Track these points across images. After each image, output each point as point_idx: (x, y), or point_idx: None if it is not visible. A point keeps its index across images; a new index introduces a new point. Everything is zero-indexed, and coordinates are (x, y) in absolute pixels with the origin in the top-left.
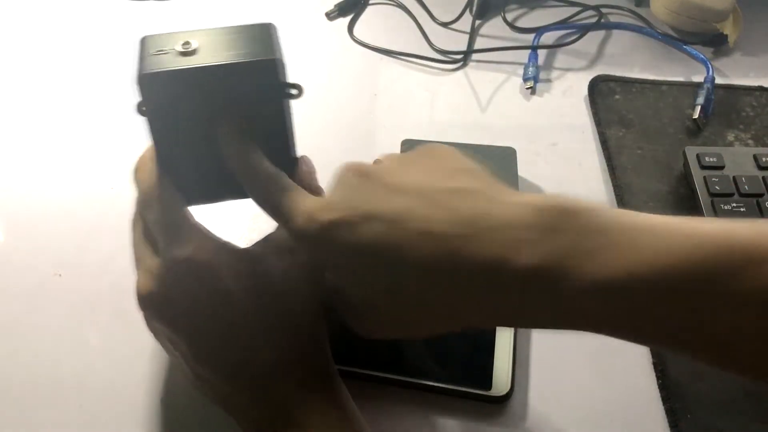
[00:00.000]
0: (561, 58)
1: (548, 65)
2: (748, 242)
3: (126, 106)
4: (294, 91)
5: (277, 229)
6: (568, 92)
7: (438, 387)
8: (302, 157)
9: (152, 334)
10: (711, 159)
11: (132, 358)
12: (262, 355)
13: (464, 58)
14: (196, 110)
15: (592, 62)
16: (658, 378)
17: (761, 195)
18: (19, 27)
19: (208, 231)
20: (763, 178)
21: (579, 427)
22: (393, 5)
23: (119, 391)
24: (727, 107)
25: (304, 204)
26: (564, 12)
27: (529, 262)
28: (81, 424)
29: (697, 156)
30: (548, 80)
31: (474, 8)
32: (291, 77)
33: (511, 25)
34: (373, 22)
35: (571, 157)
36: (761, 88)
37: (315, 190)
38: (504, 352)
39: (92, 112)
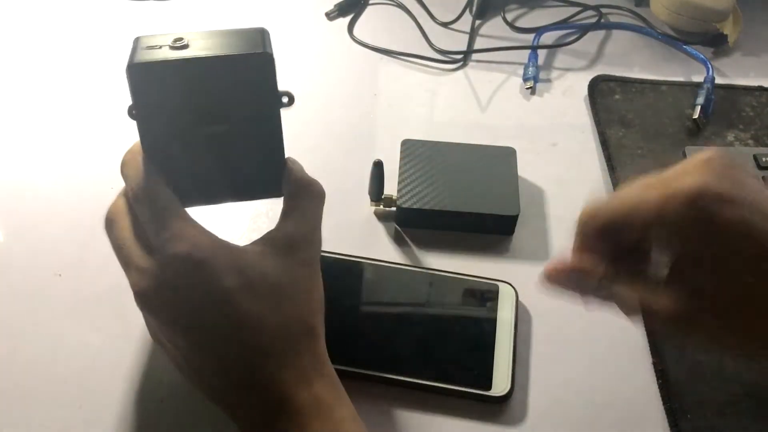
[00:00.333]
0: (561, 58)
1: (548, 65)
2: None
3: (126, 106)
4: (285, 99)
5: (276, 227)
6: (568, 92)
7: (438, 387)
8: (288, 158)
9: (149, 332)
10: None
11: (132, 358)
12: (260, 351)
13: (464, 58)
14: (185, 104)
15: (592, 62)
16: (658, 378)
17: None
18: (19, 27)
19: (204, 228)
20: (764, 178)
21: (579, 427)
22: (393, 5)
23: (119, 391)
24: (727, 107)
25: None
26: (564, 12)
27: None
28: (81, 424)
29: None
30: (548, 80)
31: (474, 8)
32: (290, 78)
33: (511, 25)
34: (373, 22)
35: (571, 157)
36: (761, 88)
37: (309, 182)
38: (504, 352)
39: (92, 112)
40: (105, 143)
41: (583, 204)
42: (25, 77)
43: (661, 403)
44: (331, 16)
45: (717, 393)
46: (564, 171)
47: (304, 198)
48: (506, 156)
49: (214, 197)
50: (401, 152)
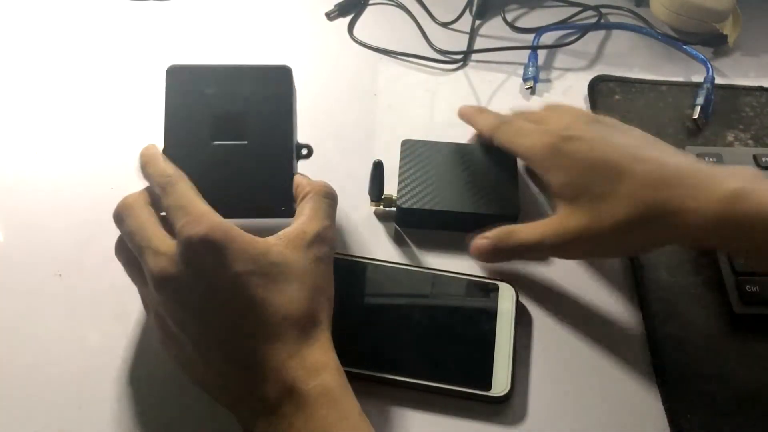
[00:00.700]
0: (561, 58)
1: (548, 65)
2: None
3: (126, 106)
4: (304, 151)
5: (291, 226)
6: (568, 92)
7: (438, 387)
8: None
9: (156, 323)
10: (711, 159)
11: (132, 358)
12: (269, 336)
13: (464, 58)
14: (210, 112)
15: (592, 62)
16: (658, 378)
17: None
18: (19, 27)
19: (222, 218)
20: None
21: (578, 427)
22: (393, 5)
23: (119, 391)
24: (727, 107)
25: None
26: (564, 12)
27: None
28: (81, 424)
29: (697, 156)
30: (548, 80)
31: (474, 8)
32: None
33: (511, 25)
34: (373, 22)
35: None
36: (761, 88)
37: (322, 184)
38: (504, 352)
39: (92, 112)
40: (105, 143)
41: None
42: (25, 77)
43: (661, 403)
44: (331, 16)
45: (717, 393)
46: None
47: (316, 199)
48: (506, 156)
49: (221, 213)
50: (401, 152)
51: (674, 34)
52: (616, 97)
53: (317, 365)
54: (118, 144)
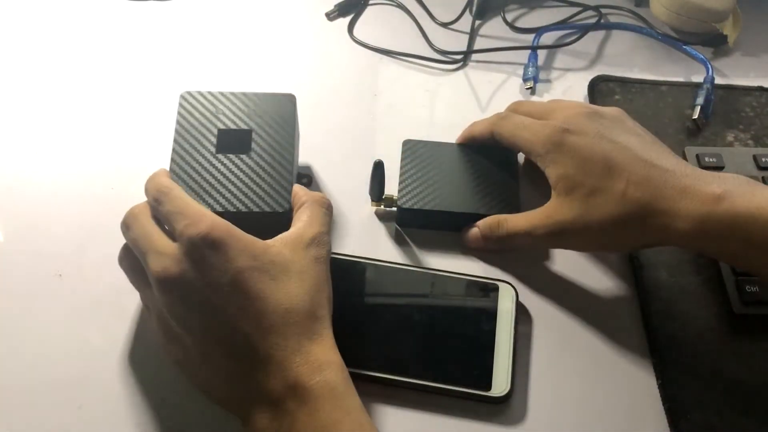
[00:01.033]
0: (561, 58)
1: (548, 65)
2: None
3: (126, 106)
4: (305, 180)
5: (290, 230)
6: (568, 92)
7: (438, 387)
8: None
9: (158, 325)
10: (711, 159)
11: (132, 358)
12: (271, 331)
13: (464, 58)
14: (219, 126)
15: (592, 62)
16: (658, 378)
17: None
18: (19, 27)
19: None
20: (763, 178)
21: (578, 427)
22: (393, 5)
23: (119, 391)
24: (727, 107)
25: None
26: (564, 12)
27: None
28: (81, 424)
29: (697, 156)
30: (548, 80)
31: (474, 8)
32: (290, 78)
33: (511, 25)
34: (373, 23)
35: None
36: (761, 88)
37: (318, 195)
38: (504, 352)
39: (92, 112)
40: (105, 144)
41: None
42: (25, 78)
43: (661, 403)
44: (331, 16)
45: (717, 393)
46: None
47: (314, 207)
48: (506, 156)
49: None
50: (402, 152)
51: (674, 34)
52: (616, 97)
53: (321, 361)
54: (119, 144)
